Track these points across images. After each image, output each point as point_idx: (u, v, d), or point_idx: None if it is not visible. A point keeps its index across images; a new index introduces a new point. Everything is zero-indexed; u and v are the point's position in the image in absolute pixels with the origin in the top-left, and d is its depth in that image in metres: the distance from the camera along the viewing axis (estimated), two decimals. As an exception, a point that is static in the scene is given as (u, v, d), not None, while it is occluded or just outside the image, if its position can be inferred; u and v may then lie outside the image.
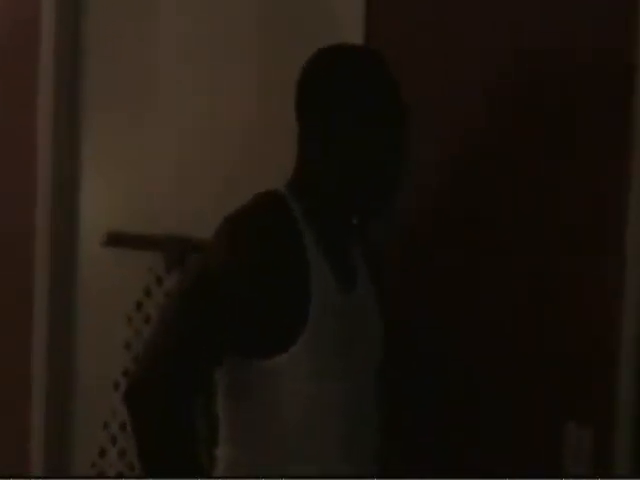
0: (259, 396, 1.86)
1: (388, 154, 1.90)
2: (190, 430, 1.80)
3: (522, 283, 2.17)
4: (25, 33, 3.14)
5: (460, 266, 2.27)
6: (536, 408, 2.14)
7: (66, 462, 3.11)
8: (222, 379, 1.92)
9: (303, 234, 1.86)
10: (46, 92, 3.08)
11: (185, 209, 2.82)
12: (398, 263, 2.34)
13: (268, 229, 1.83)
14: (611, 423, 2.01)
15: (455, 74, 2.28)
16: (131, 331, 2.84)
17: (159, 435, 1.78)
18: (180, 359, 1.78)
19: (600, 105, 2.07)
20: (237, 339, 1.83)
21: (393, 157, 1.91)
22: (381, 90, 1.91)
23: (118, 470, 2.85)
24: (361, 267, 2.01)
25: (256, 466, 1.87)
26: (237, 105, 2.73)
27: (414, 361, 2.32)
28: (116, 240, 2.93)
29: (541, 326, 2.14)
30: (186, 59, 2.84)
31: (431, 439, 2.29)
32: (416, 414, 2.31)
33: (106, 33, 3.03)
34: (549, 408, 2.12)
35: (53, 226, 3.07)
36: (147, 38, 2.93)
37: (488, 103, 2.24)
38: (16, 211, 3.16)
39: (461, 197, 2.28)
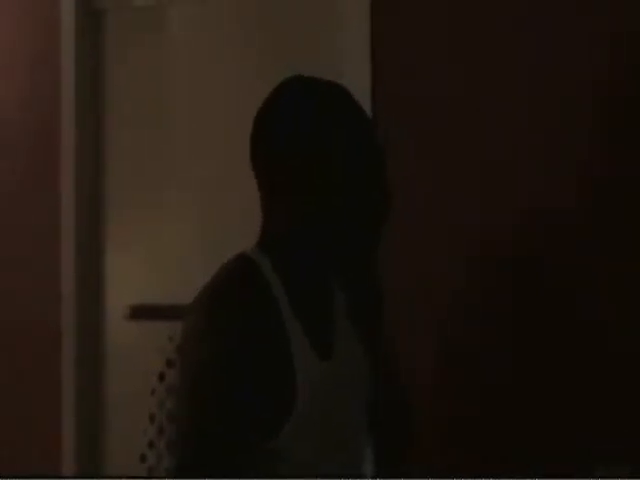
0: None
1: (366, 202, 1.70)
2: None
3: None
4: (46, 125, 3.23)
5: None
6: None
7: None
8: None
9: (279, 301, 1.71)
10: (68, 171, 3.14)
11: (199, 279, 2.85)
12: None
13: (243, 305, 1.66)
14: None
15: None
16: (155, 403, 2.87)
17: None
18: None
19: None
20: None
21: (373, 205, 1.71)
22: (353, 128, 1.71)
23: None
24: (342, 327, 1.84)
25: None
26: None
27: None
28: (138, 312, 2.97)
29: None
30: (200, 144, 2.92)
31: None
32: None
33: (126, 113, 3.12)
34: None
35: (78, 302, 3.11)
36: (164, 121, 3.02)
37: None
38: (42, 287, 3.21)
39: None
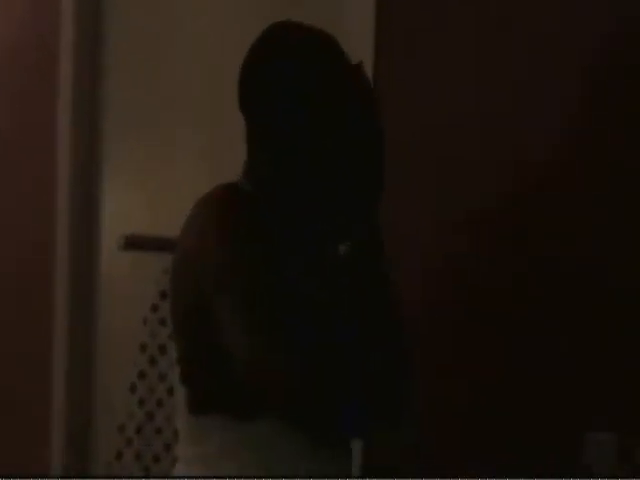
0: None
1: (353, 166, 1.62)
2: None
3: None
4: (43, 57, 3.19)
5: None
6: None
7: (84, 463, 3.14)
8: None
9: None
10: (66, 101, 3.12)
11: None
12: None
13: (240, 205, 1.65)
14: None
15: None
16: (147, 333, 2.87)
17: None
18: None
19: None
20: None
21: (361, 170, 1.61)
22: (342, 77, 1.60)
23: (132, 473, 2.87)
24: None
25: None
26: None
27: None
28: (133, 243, 2.95)
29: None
30: (205, 72, 2.89)
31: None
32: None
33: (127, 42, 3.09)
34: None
35: (72, 230, 3.11)
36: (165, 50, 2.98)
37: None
38: (36, 214, 3.20)
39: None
